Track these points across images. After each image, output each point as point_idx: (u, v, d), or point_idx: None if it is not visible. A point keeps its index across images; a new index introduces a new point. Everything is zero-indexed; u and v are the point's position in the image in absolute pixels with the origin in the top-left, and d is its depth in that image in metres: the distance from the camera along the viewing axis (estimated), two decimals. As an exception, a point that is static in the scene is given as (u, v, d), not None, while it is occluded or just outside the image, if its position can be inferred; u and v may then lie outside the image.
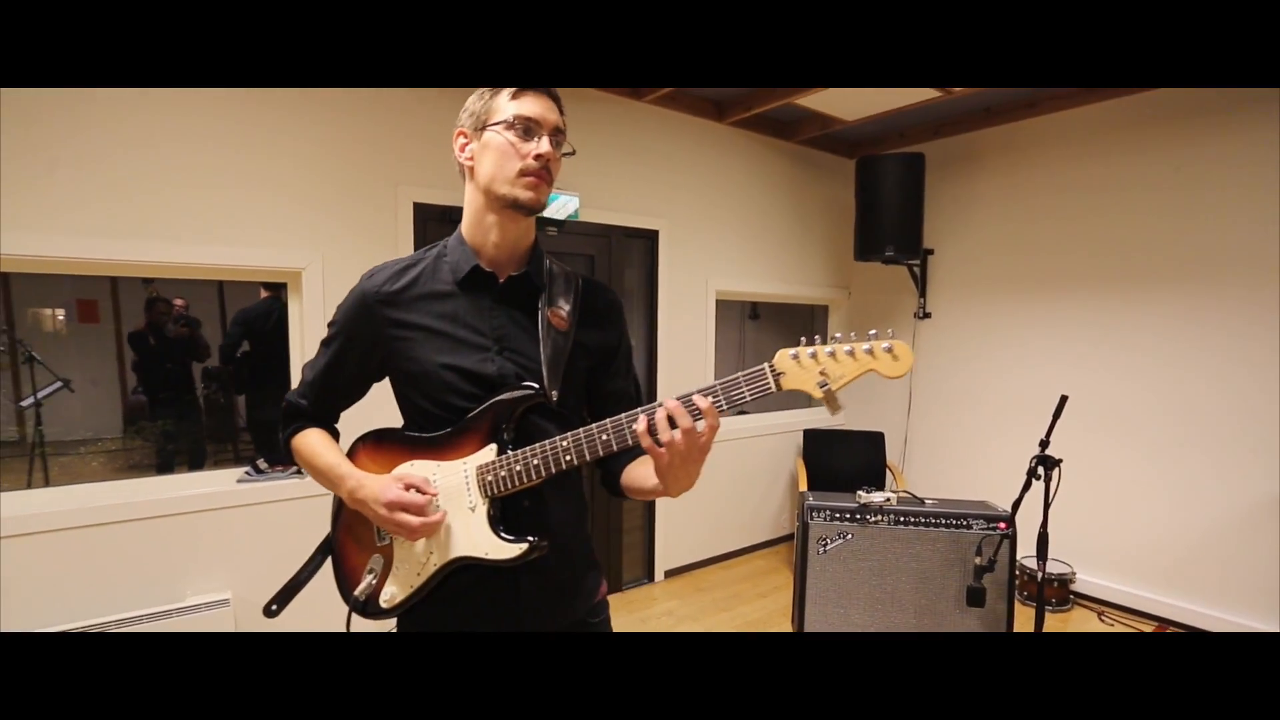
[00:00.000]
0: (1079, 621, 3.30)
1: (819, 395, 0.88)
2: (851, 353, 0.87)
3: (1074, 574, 3.45)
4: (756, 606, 3.41)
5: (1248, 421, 3.00)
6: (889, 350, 0.86)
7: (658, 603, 3.47)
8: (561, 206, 3.12)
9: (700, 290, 3.76)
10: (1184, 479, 3.18)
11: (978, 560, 2.11)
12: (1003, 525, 2.15)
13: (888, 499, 2.26)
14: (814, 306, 4.68)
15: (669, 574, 3.78)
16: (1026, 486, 2.09)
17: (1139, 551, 3.34)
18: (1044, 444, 2.09)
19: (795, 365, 0.89)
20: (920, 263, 4.02)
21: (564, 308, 1.08)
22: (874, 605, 2.26)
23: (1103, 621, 3.29)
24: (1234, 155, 2.99)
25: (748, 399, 0.90)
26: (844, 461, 3.85)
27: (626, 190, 3.41)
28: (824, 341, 0.89)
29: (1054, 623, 3.28)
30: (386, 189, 2.67)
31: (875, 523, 2.23)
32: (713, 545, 3.98)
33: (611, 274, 3.44)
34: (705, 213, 3.76)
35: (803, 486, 3.70)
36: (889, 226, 3.72)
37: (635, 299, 3.64)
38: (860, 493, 2.31)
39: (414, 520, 0.98)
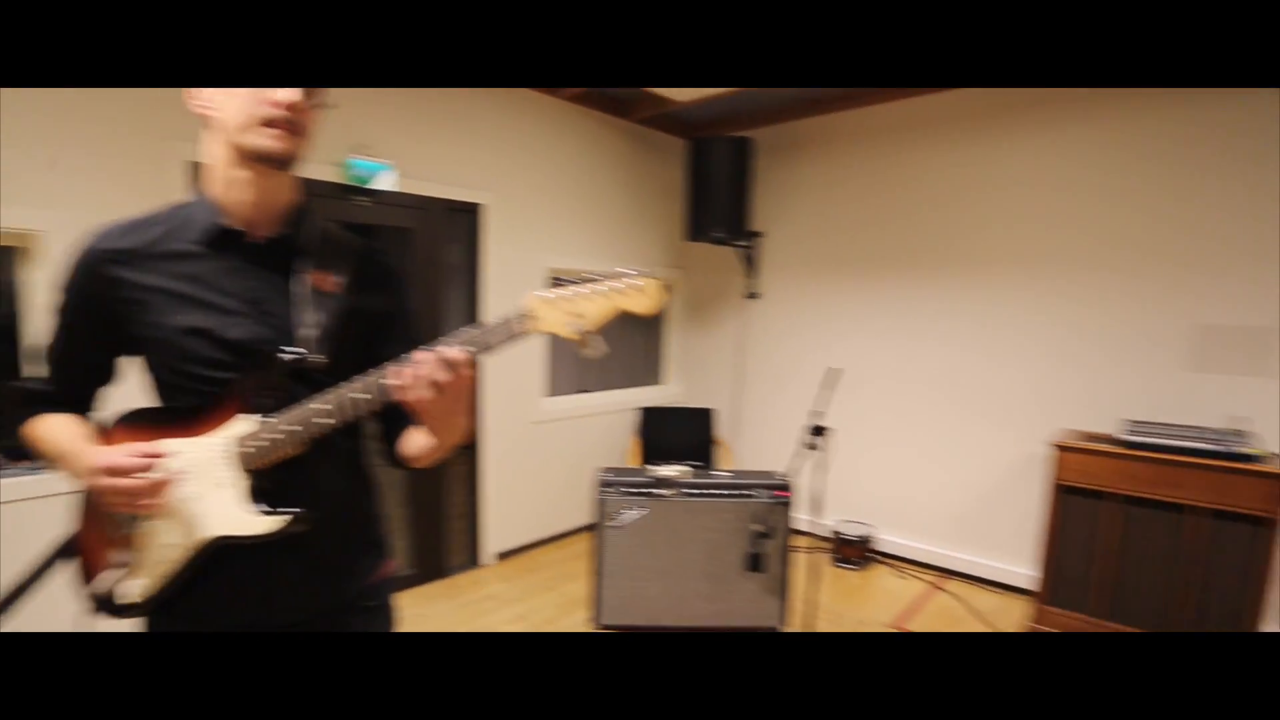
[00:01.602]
0: (878, 577, 3.59)
1: (573, 337, 0.86)
2: (601, 291, 0.86)
3: (874, 535, 3.75)
4: (583, 585, 3.43)
5: (1011, 392, 3.36)
6: (637, 286, 0.85)
7: (484, 586, 3.40)
8: (374, 176, 2.93)
9: (531, 268, 3.68)
10: (963, 443, 3.53)
11: (756, 527, 2.21)
12: (781, 492, 2.26)
13: (680, 472, 2.31)
14: (656, 286, 4.74)
15: (502, 556, 3.72)
16: (805, 454, 2.20)
17: (928, 510, 3.68)
18: (817, 414, 2.21)
19: (546, 307, 0.86)
20: (750, 245, 4.16)
21: (334, 271, 1.01)
22: (666, 577, 2.32)
23: (900, 576, 3.60)
24: (1013, 159, 3.30)
25: (499, 343, 0.88)
26: (677, 438, 3.94)
27: (448, 161, 3.26)
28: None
29: (856, 580, 3.55)
30: (155, 144, 2.37)
31: (667, 496, 2.28)
32: (548, 525, 3.96)
33: (433, 249, 3.28)
34: (537, 188, 3.67)
35: (635, 464, 3.75)
36: (719, 208, 3.82)
37: (458, 275, 3.50)
38: (651, 467, 2.35)
39: (130, 483, 0.87)
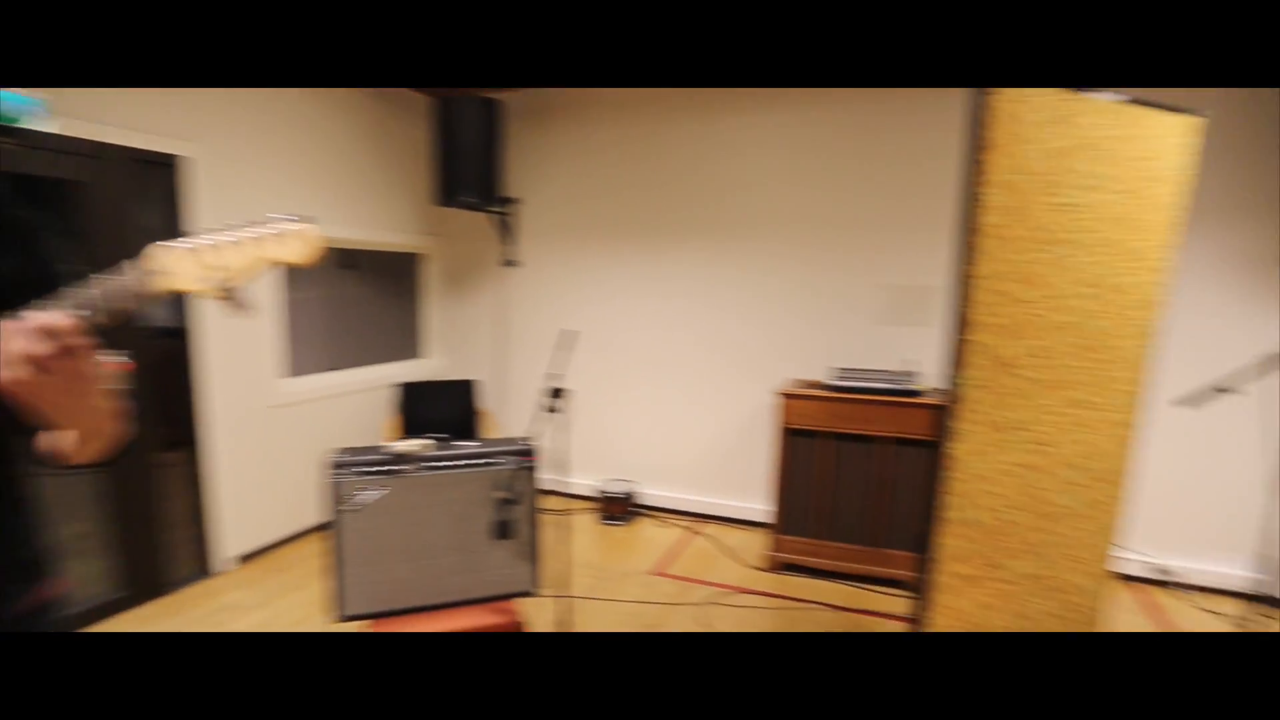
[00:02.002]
0: (643, 529, 3.80)
1: (216, 294, 0.74)
2: (247, 239, 0.75)
3: (637, 490, 3.96)
4: (338, 577, 3.18)
5: (747, 348, 3.72)
6: (291, 233, 0.76)
7: (219, 596, 2.99)
8: (22, 112, 2.33)
9: (256, 232, 3.23)
10: (711, 397, 3.84)
11: (500, 494, 2.19)
12: (525, 457, 2.26)
13: (421, 446, 2.20)
14: (415, 255, 4.46)
15: (245, 559, 3.30)
16: (546, 416, 2.21)
17: (683, 462, 3.97)
18: (555, 376, 2.23)
19: (179, 259, 0.74)
20: (506, 211, 4.07)
21: None
22: (414, 557, 2.21)
23: (662, 526, 3.84)
24: (743, 136, 3.59)
25: (119, 306, 0.73)
26: (438, 412, 3.78)
27: (134, 103, 2.71)
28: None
29: (622, 535, 3.72)
30: None
31: (408, 472, 2.17)
32: (297, 519, 3.59)
33: (117, 208, 2.72)
34: (259, 142, 3.20)
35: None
36: (469, 172, 3.66)
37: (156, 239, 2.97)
38: (389, 444, 2.22)
39: None
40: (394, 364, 4.19)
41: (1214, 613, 2.98)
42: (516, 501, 2.22)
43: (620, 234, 3.93)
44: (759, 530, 3.71)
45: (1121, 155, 1.82)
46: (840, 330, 3.51)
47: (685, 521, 3.92)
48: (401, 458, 2.19)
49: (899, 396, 2.95)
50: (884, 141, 3.32)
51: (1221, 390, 1.64)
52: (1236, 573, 3.04)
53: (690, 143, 3.70)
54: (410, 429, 3.71)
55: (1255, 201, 2.91)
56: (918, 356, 3.27)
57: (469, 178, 3.64)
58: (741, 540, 3.67)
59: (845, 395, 3.04)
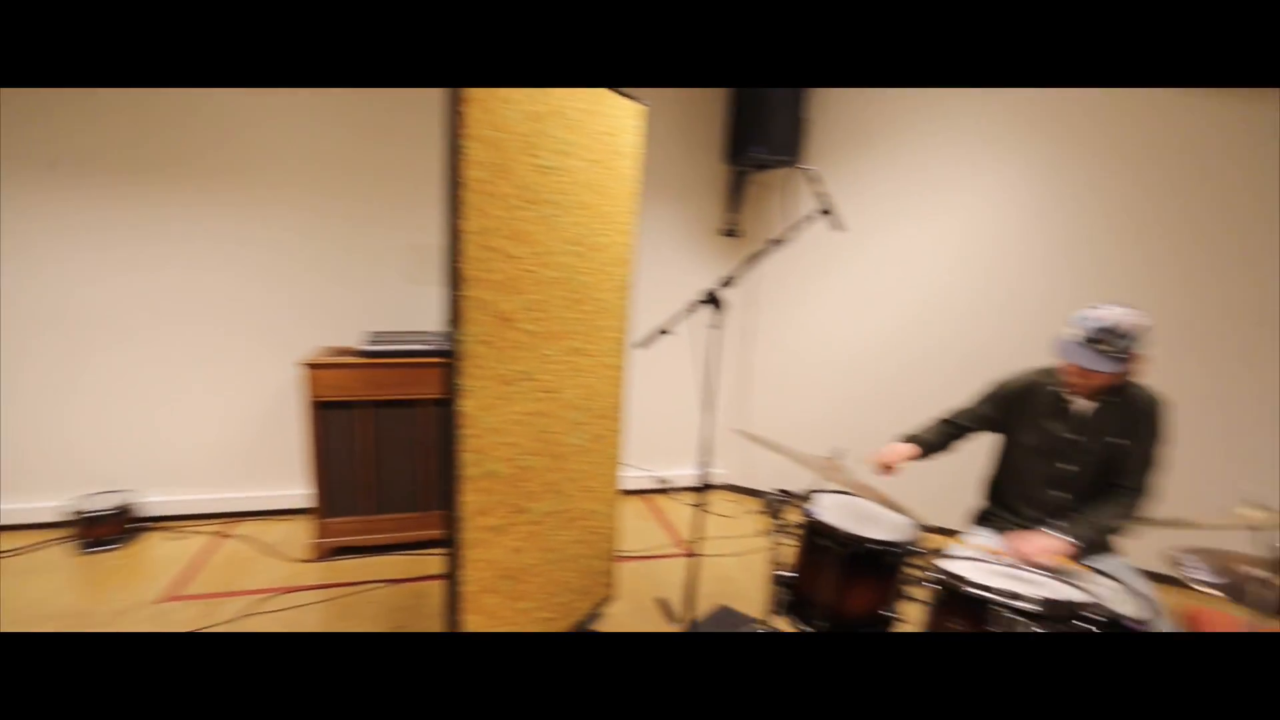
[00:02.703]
0: (149, 548, 3.02)
1: None
2: None
3: (135, 501, 3.12)
4: None
5: (267, 316, 3.21)
6: None
7: None
8: None
9: None
10: (226, 376, 3.23)
11: None
12: None
13: None
14: None
15: None
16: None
17: (200, 456, 3.28)
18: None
19: None
20: None
21: None
22: None
23: (177, 538, 3.11)
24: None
25: None
26: None
27: None
28: None
29: (117, 561, 2.89)
30: None
31: None
32: None
33: None
34: None
35: None
36: None
37: None
38: None
39: None
40: None
41: (694, 506, 3.84)
42: None
43: (103, 191, 2.92)
44: (304, 518, 3.33)
45: (589, 128, 2.03)
46: (372, 292, 3.30)
47: (213, 526, 3.26)
48: None
49: (435, 357, 2.92)
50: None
51: (664, 332, 2.02)
52: (696, 471, 3.98)
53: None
54: None
55: (700, 185, 3.77)
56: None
57: None
58: (285, 533, 3.23)
59: (379, 360, 2.87)
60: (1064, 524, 1.95)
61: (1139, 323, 1.87)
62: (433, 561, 3.04)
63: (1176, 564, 1.58)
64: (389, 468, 3.00)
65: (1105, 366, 1.89)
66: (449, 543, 1.84)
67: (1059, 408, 2.11)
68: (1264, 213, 2.90)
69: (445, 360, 1.70)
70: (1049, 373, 2.14)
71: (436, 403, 2.96)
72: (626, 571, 3.12)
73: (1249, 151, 2.88)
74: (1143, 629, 1.51)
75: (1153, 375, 1.95)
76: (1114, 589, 1.67)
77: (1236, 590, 1.45)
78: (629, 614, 2.78)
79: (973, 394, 2.26)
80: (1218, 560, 1.56)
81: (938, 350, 3.55)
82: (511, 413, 1.95)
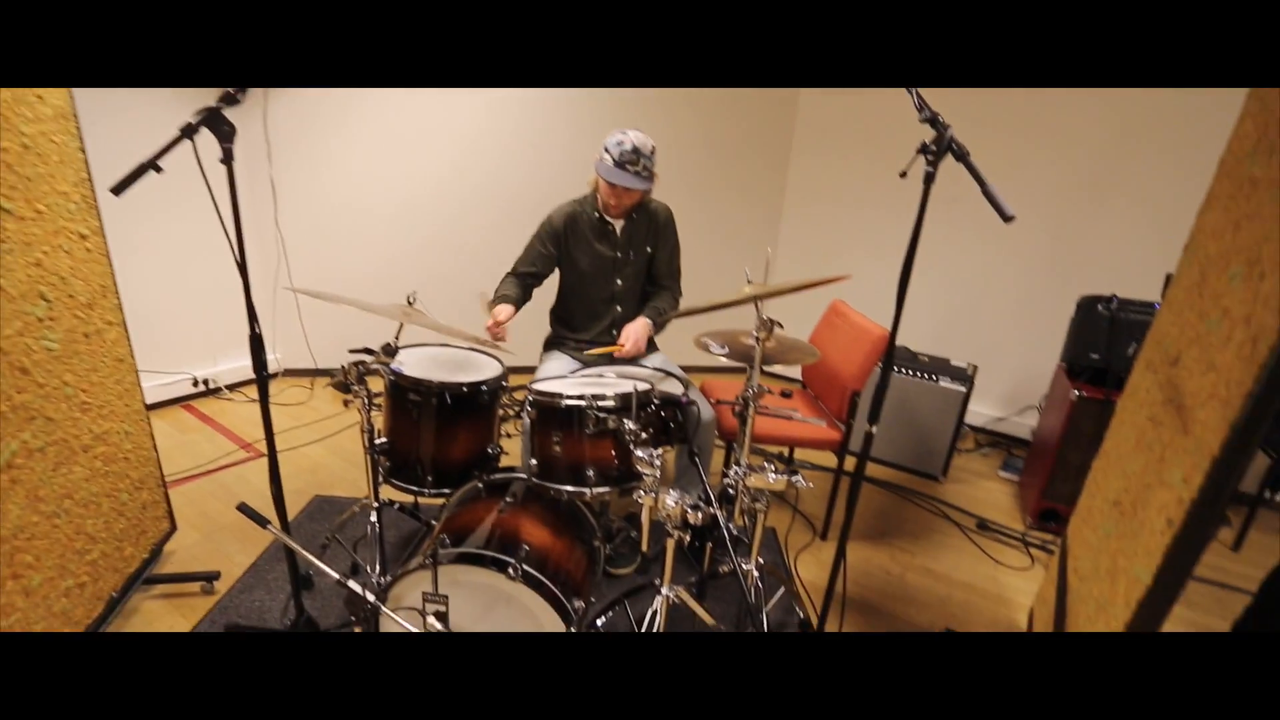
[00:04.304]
0: None
1: None
2: None
3: None
4: None
5: None
6: None
7: None
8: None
9: None
10: None
11: None
12: None
13: None
14: None
15: None
16: None
17: None
18: None
19: None
20: None
21: None
22: None
23: None
24: None
25: None
26: None
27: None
28: None
29: None
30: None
31: None
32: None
33: None
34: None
35: None
36: None
37: None
38: None
39: None
40: None
41: (255, 400, 3.25)
42: None
43: None
44: None
45: None
46: None
47: None
48: None
49: None
50: None
51: (151, 167, 1.48)
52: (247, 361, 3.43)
53: None
54: None
55: None
56: None
57: None
58: None
59: None
60: (638, 314, 2.30)
61: (651, 143, 2.13)
62: None
63: (704, 346, 1.96)
64: None
65: (639, 185, 2.11)
66: None
67: (603, 230, 2.32)
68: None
69: None
70: (585, 200, 2.32)
71: None
72: (186, 496, 2.53)
73: None
74: (684, 400, 1.85)
75: (658, 191, 2.27)
76: (661, 376, 1.99)
77: (741, 355, 1.87)
78: (201, 544, 2.29)
79: (528, 239, 2.34)
80: (728, 337, 1.98)
81: (490, 186, 3.63)
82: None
